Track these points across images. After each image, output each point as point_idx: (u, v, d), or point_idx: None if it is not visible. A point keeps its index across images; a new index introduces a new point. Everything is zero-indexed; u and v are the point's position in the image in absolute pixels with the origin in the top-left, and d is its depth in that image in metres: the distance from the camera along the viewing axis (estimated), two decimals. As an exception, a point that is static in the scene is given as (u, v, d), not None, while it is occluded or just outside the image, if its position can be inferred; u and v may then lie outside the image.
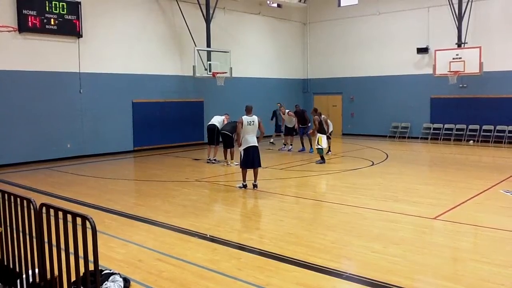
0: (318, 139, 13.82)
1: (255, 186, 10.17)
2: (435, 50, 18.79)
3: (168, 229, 7.30)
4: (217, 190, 10.32)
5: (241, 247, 6.31)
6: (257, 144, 10.16)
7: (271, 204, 9.14)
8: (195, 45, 17.78)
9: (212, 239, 6.70)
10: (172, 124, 18.33)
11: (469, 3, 18.21)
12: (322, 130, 13.96)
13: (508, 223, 7.43)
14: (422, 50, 20.20)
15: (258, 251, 6.14)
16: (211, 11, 18.32)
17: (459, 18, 18.48)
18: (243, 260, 5.84)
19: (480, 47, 17.48)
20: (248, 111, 10.31)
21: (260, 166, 10.31)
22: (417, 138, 20.68)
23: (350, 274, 5.36)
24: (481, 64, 17.41)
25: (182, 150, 17.51)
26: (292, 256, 5.87)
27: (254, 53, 21.82)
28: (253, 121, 10.15)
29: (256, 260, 5.86)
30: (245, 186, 10.16)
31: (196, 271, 5.45)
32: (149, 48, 17.54)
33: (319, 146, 13.81)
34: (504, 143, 18.46)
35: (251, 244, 6.41)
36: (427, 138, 20.38)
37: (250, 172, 10.23)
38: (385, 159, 14.69)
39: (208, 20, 18.31)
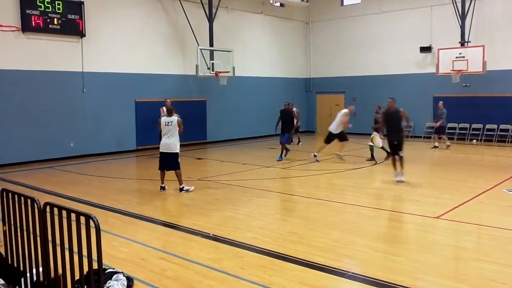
0: (372, 137, 13.95)
1: (180, 189, 9.90)
2: (438, 49, 18.77)
3: (171, 228, 7.32)
4: (219, 189, 10.32)
5: (244, 246, 6.31)
6: (168, 151, 9.77)
7: (273, 203, 9.15)
8: (198, 44, 17.80)
9: (215, 238, 6.71)
10: (175, 123, 18.32)
11: (472, 2, 18.16)
12: (377, 129, 13.95)
13: (510, 222, 7.41)
14: (425, 49, 20.17)
15: (261, 250, 6.15)
16: (213, 10, 18.33)
17: (462, 16, 18.44)
18: (246, 259, 5.85)
19: (483, 46, 17.45)
20: (169, 112, 9.97)
21: (173, 169, 9.85)
22: (420, 137, 20.64)
23: (352, 273, 5.36)
24: (484, 63, 17.38)
25: (184, 150, 17.44)
26: (295, 255, 5.88)
27: (257, 52, 21.83)
28: (171, 122, 9.79)
29: (259, 259, 5.87)
30: (162, 188, 9.99)
31: (199, 270, 5.46)
32: (152, 47, 17.57)
33: (372, 144, 14.02)
34: (508, 142, 18.41)
35: (254, 243, 6.42)
36: (430, 137, 20.32)
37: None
38: (388, 158, 14.65)
39: (210, 19, 18.32)
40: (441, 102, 17.41)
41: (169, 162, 9.84)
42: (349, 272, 5.39)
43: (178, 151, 9.88)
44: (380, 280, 5.08)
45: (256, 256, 5.98)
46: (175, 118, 9.84)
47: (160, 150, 10.01)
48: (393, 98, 10.69)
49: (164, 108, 13.77)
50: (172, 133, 9.78)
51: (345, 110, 14.51)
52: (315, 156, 14.10)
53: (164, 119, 9.97)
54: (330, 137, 14.33)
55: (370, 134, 14.31)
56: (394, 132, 10.70)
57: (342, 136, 14.36)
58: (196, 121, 19.09)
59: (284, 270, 5.46)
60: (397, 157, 10.72)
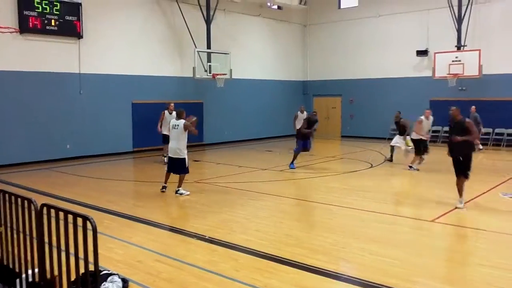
0: (407, 141, 13.68)
1: (176, 191, 9.79)
2: (435, 53, 18.88)
3: (167, 230, 7.33)
4: (216, 192, 10.33)
5: (240, 249, 6.32)
6: (174, 156, 9.67)
7: (270, 206, 9.16)
8: (195, 47, 17.82)
9: (211, 241, 6.72)
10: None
11: (469, 6, 18.27)
12: (403, 132, 13.93)
13: (506, 226, 7.45)
14: (422, 53, 20.25)
15: (257, 252, 6.16)
16: (211, 13, 18.37)
17: (459, 20, 18.54)
18: (242, 262, 5.86)
19: (479, 50, 17.55)
20: (177, 115, 9.92)
21: (178, 173, 9.80)
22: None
23: (348, 276, 5.38)
24: (480, 67, 17.48)
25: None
26: (290, 258, 5.89)
27: (254, 55, 21.87)
28: (177, 125, 9.67)
29: (255, 261, 5.88)
30: (163, 187, 10.01)
31: (195, 272, 5.46)
32: (149, 49, 17.57)
33: (411, 146, 13.57)
34: (503, 146, 18.48)
35: (250, 245, 6.43)
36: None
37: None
38: (384, 162, 14.71)
39: (208, 21, 18.36)
40: (473, 107, 17.03)
41: (176, 166, 9.79)
42: (344, 275, 5.41)
43: (184, 156, 9.72)
44: (375, 283, 5.10)
45: (252, 258, 5.99)
46: (181, 121, 9.67)
47: (169, 155, 10.00)
48: (456, 106, 9.20)
49: (166, 112, 13.86)
50: (177, 137, 9.66)
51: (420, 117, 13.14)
52: (410, 167, 12.96)
53: (172, 122, 9.90)
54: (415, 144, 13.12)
55: (368, 137, 14.23)
56: (459, 146, 8.74)
57: (418, 146, 13.02)
58: (193, 123, 19.08)
59: (279, 272, 5.47)
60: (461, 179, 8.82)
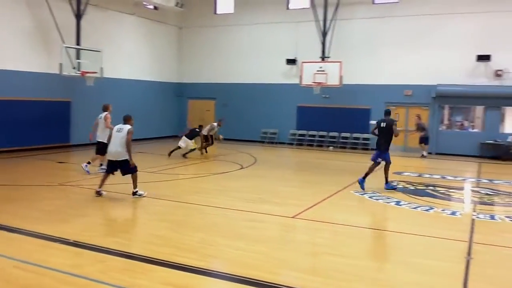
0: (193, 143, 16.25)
1: (133, 193, 9.64)
2: (302, 62, 20.26)
3: (27, 236, 6.87)
4: (82, 194, 9.90)
5: (107, 251, 6.21)
6: (117, 159, 9.41)
7: (139, 207, 9.08)
8: (63, 42, 16.82)
9: (77, 244, 6.48)
10: (35, 124, 17.06)
11: (333, 21, 19.93)
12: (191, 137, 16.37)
13: (357, 220, 8.39)
14: (291, 61, 21.60)
15: (124, 254, 6.11)
16: (82, 7, 17.50)
17: (324, 34, 20.13)
18: (109, 264, 5.78)
19: (340, 62, 19.24)
20: (124, 120, 9.72)
21: (127, 173, 9.61)
22: (284, 143, 21.98)
23: (215, 271, 5.63)
24: (341, 77, 19.18)
25: (46, 153, 16.38)
26: (159, 258, 5.96)
27: (128, 54, 21.33)
28: (121, 129, 9.50)
29: (122, 263, 5.84)
30: (98, 193, 9.60)
31: (57, 277, 5.26)
32: (11, 42, 16.15)
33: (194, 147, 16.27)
34: (358, 149, 20.51)
35: (118, 247, 6.35)
36: (292, 144, 21.78)
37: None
38: (253, 163, 15.40)
39: (78, 16, 17.46)
40: (418, 114, 18.59)
41: (122, 168, 9.48)
42: (212, 270, 5.64)
43: (127, 157, 9.37)
44: (241, 277, 5.41)
45: (119, 260, 5.93)
46: (127, 126, 9.43)
47: (108, 158, 9.56)
48: None
49: (108, 115, 12.66)
50: (120, 141, 9.29)
51: None
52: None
53: (117, 126, 9.51)
54: None
55: (240, 140, 15.02)
56: None
57: None
58: (59, 123, 18.01)
59: (147, 272, 5.52)
60: None
